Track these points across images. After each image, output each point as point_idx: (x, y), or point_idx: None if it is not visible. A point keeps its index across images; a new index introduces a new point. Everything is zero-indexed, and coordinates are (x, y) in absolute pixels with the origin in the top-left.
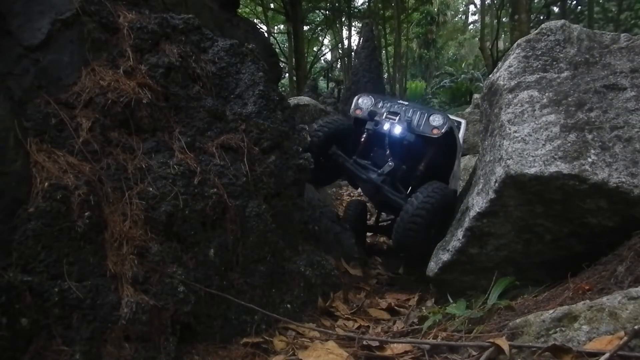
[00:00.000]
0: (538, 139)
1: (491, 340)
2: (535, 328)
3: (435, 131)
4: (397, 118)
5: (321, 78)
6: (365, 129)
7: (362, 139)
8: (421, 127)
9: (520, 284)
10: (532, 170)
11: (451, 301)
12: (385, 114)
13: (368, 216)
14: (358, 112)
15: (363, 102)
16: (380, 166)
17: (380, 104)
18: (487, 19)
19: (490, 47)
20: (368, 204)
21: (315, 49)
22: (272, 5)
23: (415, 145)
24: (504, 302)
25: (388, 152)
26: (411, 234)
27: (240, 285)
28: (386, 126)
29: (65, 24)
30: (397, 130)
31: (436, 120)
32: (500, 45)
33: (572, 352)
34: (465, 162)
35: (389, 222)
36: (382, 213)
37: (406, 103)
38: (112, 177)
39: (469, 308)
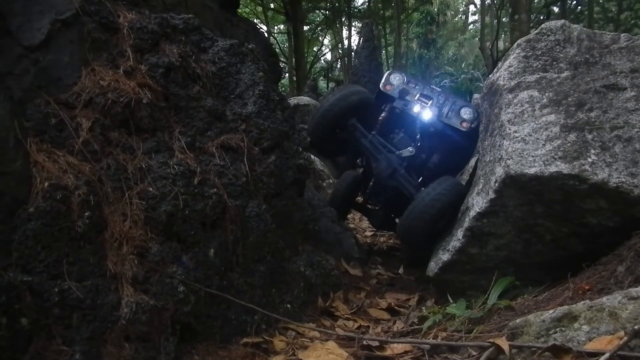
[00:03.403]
0: (538, 139)
1: (491, 340)
2: (535, 328)
3: (464, 125)
4: (430, 102)
5: (321, 78)
6: (391, 106)
7: (382, 117)
8: (451, 118)
9: (520, 284)
10: (532, 170)
11: (451, 301)
12: (417, 95)
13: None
14: (388, 87)
15: (395, 79)
16: (399, 149)
17: (411, 84)
18: (487, 19)
19: (490, 47)
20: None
21: (315, 49)
22: (272, 5)
23: (438, 135)
24: (504, 302)
25: (416, 136)
26: (417, 230)
27: (240, 285)
28: (416, 108)
29: (65, 24)
30: (427, 115)
31: (467, 113)
32: (500, 45)
33: (572, 352)
34: None
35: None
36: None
37: (438, 89)
38: (112, 177)
39: (469, 308)
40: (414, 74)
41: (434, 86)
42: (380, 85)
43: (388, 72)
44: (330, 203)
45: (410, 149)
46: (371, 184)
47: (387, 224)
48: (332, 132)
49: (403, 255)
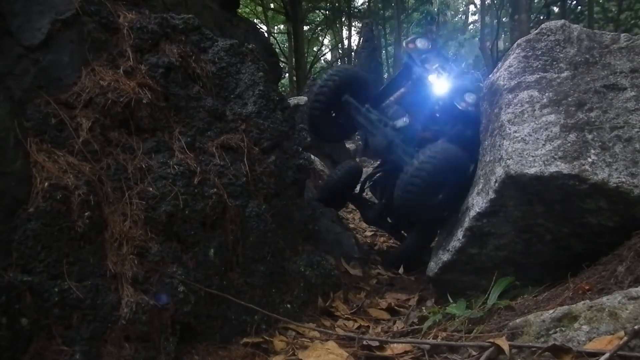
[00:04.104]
0: (538, 139)
1: (491, 340)
2: (535, 328)
3: (463, 104)
4: (447, 75)
5: None
6: (407, 73)
7: (400, 92)
8: (457, 96)
9: (520, 284)
10: (532, 170)
11: (451, 301)
12: (436, 65)
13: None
14: (411, 46)
15: (420, 42)
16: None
17: (434, 53)
18: (487, 19)
19: (490, 47)
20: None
21: (315, 49)
22: (272, 5)
23: (445, 109)
24: (504, 302)
25: (426, 107)
26: (409, 196)
27: (240, 285)
28: (432, 78)
29: (65, 24)
30: (439, 87)
31: (471, 97)
32: (500, 45)
33: (572, 352)
34: None
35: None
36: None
37: (455, 67)
38: (112, 177)
39: (469, 308)
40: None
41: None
42: (404, 42)
43: (415, 36)
44: (319, 194)
45: (404, 119)
46: (377, 176)
47: (379, 220)
48: (327, 112)
49: (393, 258)
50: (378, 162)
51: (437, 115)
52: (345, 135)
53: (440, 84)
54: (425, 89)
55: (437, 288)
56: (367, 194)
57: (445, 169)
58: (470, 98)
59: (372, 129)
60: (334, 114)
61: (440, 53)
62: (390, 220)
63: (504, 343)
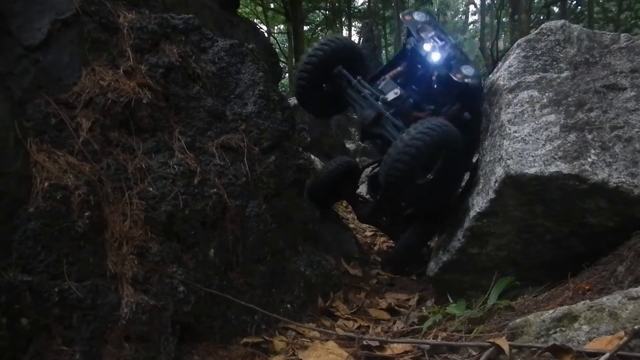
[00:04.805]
0: (538, 139)
1: (491, 340)
2: (535, 328)
3: (458, 76)
4: (443, 44)
5: None
6: (404, 50)
7: (399, 70)
8: (454, 67)
9: (520, 284)
10: (532, 170)
11: (451, 301)
12: (432, 34)
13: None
14: (408, 17)
15: (418, 15)
16: (417, 84)
17: (431, 25)
18: (487, 19)
19: (490, 47)
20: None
21: None
22: (272, 5)
23: (441, 82)
24: (504, 302)
25: (421, 81)
26: (396, 172)
27: (240, 285)
28: (427, 47)
29: (65, 24)
30: (436, 57)
31: (468, 69)
32: (500, 45)
33: (572, 352)
34: None
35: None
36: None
37: (452, 40)
38: (112, 177)
39: (469, 308)
40: None
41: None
42: (401, 14)
43: (413, 9)
44: (309, 190)
45: (396, 90)
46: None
47: (374, 218)
48: (316, 83)
49: (387, 260)
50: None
51: (434, 87)
52: (336, 110)
53: (435, 53)
54: (420, 59)
55: (437, 288)
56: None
57: (438, 145)
58: (467, 70)
59: (362, 101)
60: (324, 86)
61: (438, 25)
62: (385, 219)
63: (504, 343)
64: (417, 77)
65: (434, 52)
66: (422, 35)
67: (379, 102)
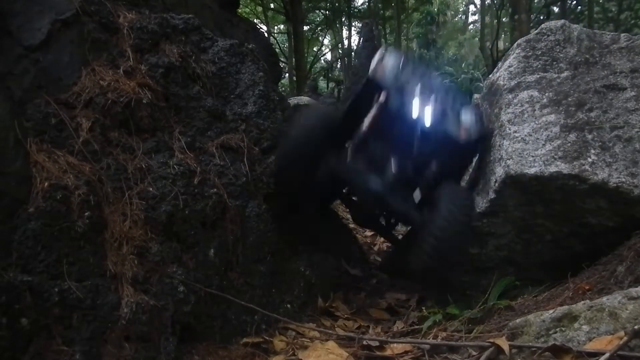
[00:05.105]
0: (538, 139)
1: (491, 340)
2: (535, 328)
3: (463, 133)
4: (432, 102)
5: (321, 78)
6: (382, 104)
7: (373, 116)
8: (451, 121)
9: (520, 284)
10: (532, 170)
11: (451, 301)
12: (417, 90)
13: None
14: (380, 74)
15: (389, 62)
16: (400, 150)
17: (408, 71)
18: (487, 19)
19: (490, 47)
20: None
21: (315, 49)
22: (272, 5)
23: (437, 142)
24: (504, 302)
25: (412, 141)
26: (436, 263)
27: (240, 285)
28: (415, 109)
29: (65, 24)
30: (427, 118)
31: (468, 117)
32: (500, 45)
33: (572, 352)
34: None
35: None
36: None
37: (438, 78)
38: (112, 177)
39: (469, 308)
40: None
41: (434, 71)
42: (370, 71)
43: (381, 50)
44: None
45: (392, 164)
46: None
47: (372, 221)
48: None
49: (386, 262)
50: None
51: (433, 154)
52: (332, 199)
53: (426, 116)
54: (408, 123)
55: (437, 288)
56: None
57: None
58: (466, 116)
59: (359, 183)
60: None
61: (417, 66)
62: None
63: (504, 343)
64: (407, 138)
65: (424, 115)
66: (402, 95)
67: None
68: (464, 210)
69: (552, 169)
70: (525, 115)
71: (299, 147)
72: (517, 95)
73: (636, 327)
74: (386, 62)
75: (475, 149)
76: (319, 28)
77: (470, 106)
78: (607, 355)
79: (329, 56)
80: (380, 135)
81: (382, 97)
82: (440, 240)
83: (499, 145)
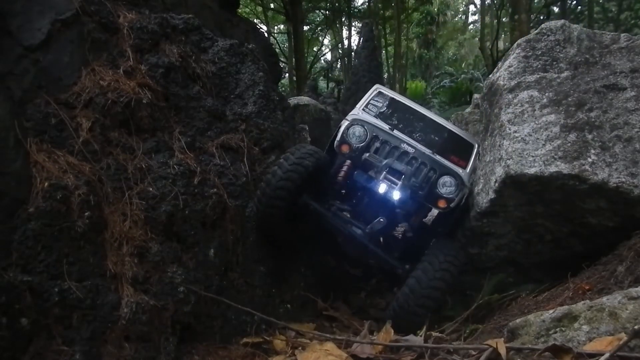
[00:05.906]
0: (538, 139)
1: (488, 343)
2: (535, 328)
3: (441, 203)
4: (400, 180)
5: (321, 78)
6: (351, 171)
7: (342, 175)
8: (425, 194)
9: (520, 284)
10: (532, 170)
11: (451, 301)
12: (383, 172)
13: None
14: (345, 148)
15: (354, 135)
16: (367, 220)
17: (377, 142)
18: (487, 19)
19: (490, 47)
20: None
21: (315, 49)
22: (272, 5)
23: (414, 208)
24: (495, 297)
25: (385, 208)
26: (422, 313)
27: (240, 285)
28: (382, 188)
29: (65, 24)
30: (397, 196)
31: (446, 185)
32: (500, 45)
33: (572, 352)
34: None
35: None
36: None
37: (412, 150)
38: (112, 177)
39: (469, 308)
40: (414, 74)
41: (407, 143)
42: (335, 143)
43: (347, 124)
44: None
45: (381, 219)
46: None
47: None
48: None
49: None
50: None
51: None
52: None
53: (396, 193)
54: (378, 200)
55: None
56: None
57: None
58: (446, 188)
59: (344, 229)
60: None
61: (383, 130)
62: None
63: (501, 346)
64: (381, 212)
65: (392, 193)
66: (371, 173)
67: (363, 231)
68: (435, 280)
69: (552, 169)
70: (525, 115)
71: (278, 192)
72: (517, 95)
73: (636, 327)
74: (351, 136)
75: (453, 212)
76: (319, 28)
77: (449, 174)
78: (607, 355)
79: (329, 56)
80: (354, 190)
81: (347, 164)
82: (407, 298)
83: (499, 145)
